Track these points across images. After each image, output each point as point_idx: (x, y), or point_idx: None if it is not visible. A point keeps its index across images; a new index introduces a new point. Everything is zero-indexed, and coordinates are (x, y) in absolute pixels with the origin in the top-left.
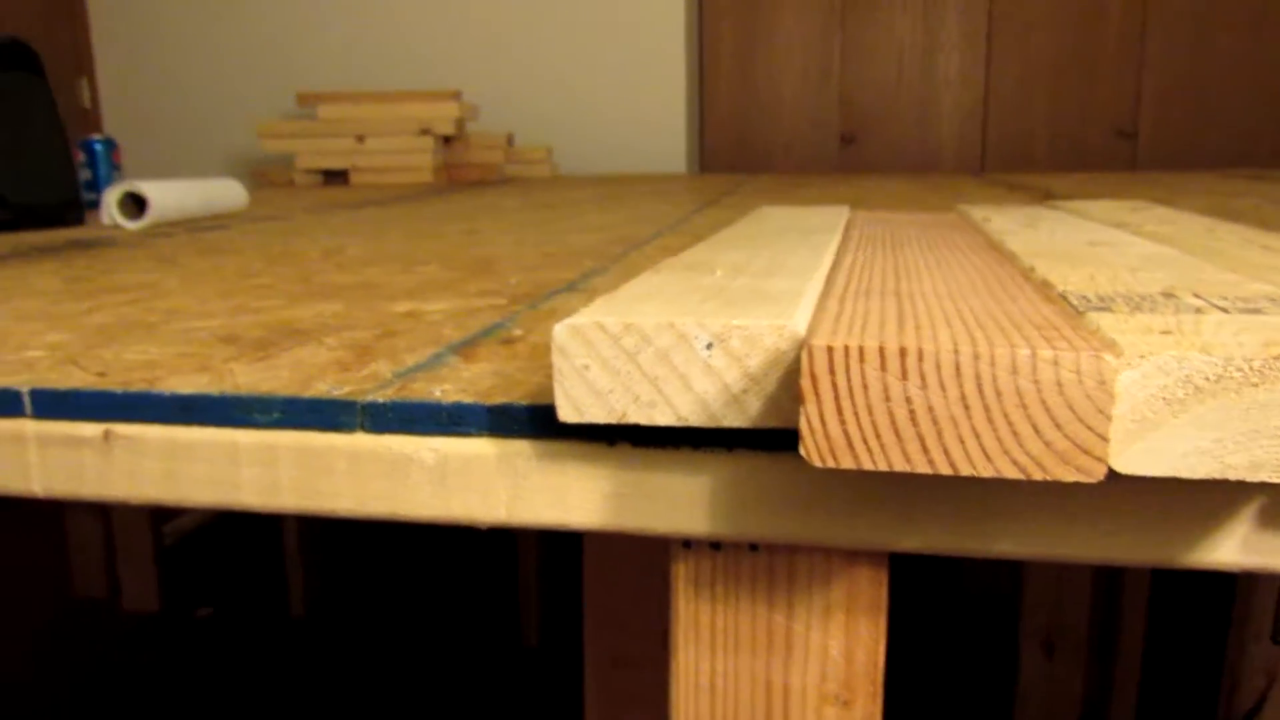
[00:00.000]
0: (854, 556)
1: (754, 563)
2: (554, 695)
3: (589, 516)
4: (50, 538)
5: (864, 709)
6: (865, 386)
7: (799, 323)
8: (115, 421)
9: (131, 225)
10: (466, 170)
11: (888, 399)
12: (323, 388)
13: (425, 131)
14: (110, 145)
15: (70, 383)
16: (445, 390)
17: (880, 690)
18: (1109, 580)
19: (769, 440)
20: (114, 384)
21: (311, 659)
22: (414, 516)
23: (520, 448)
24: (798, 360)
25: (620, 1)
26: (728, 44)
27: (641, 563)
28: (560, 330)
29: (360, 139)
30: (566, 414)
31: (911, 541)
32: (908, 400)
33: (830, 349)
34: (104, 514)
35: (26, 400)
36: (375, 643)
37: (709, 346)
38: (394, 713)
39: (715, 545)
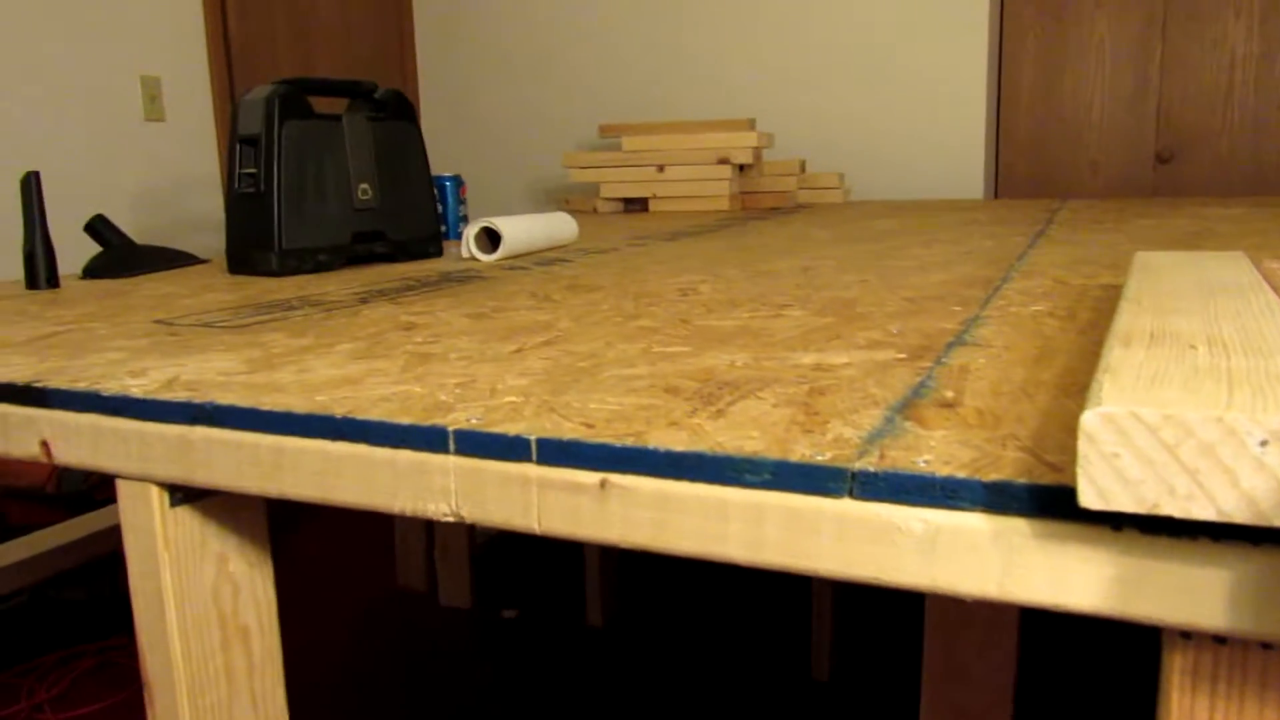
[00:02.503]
0: None
1: (1266, 661)
2: None
3: (1087, 599)
4: (378, 533)
5: None
6: None
7: None
8: (611, 471)
9: (486, 258)
10: (760, 197)
11: None
12: (805, 451)
13: (723, 160)
14: (458, 182)
15: (559, 432)
16: (928, 461)
17: None
18: None
19: None
20: (606, 437)
21: (606, 669)
22: (899, 583)
23: (1016, 525)
24: None
25: (918, 23)
26: (1030, 58)
27: (987, 617)
28: (1091, 418)
29: (660, 168)
30: (1089, 500)
31: None
32: None
33: None
34: None
35: (534, 448)
36: (667, 661)
37: (1263, 444)
38: None
39: (1219, 639)
